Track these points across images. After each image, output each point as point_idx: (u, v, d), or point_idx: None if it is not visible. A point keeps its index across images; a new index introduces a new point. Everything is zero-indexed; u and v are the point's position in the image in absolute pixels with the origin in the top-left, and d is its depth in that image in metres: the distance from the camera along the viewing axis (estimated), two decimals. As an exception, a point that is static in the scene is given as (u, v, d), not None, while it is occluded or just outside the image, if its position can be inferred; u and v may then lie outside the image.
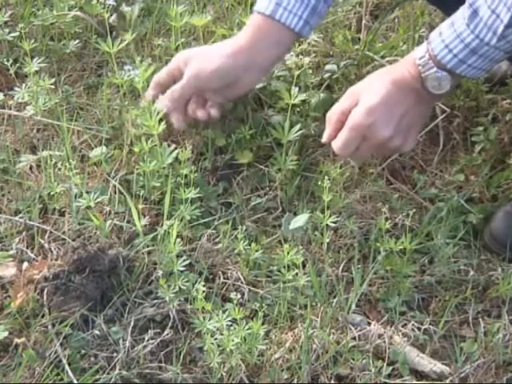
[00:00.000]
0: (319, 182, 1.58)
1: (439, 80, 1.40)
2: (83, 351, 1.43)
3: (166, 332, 1.45)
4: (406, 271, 1.58)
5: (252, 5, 1.96)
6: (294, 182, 1.73)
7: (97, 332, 1.45)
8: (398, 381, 1.45)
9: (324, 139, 1.55)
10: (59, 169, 1.57)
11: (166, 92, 1.68)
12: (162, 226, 1.57)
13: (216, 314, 1.42)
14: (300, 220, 1.62)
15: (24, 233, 1.60)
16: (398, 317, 1.53)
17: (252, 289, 1.55)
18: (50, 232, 1.61)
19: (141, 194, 1.66)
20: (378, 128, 1.44)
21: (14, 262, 1.54)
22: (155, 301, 1.51)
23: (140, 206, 1.61)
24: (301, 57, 1.85)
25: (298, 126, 1.72)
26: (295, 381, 1.43)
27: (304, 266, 1.56)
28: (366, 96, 1.45)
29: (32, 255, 1.56)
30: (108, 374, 1.40)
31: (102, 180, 1.69)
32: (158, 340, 1.44)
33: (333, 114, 1.52)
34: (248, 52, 1.61)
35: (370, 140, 1.48)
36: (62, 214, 1.65)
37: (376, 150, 1.55)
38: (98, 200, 1.58)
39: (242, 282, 1.56)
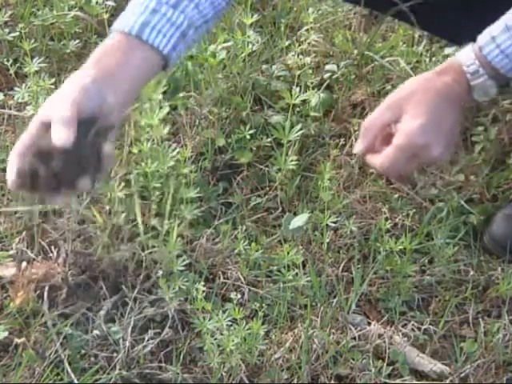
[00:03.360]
0: (319, 182, 1.58)
1: (487, 88, 1.35)
2: (83, 351, 1.43)
3: (165, 332, 1.45)
4: (405, 271, 1.58)
5: (252, 5, 1.97)
6: (294, 182, 1.73)
7: (97, 332, 1.45)
8: (398, 381, 1.45)
9: (358, 150, 1.38)
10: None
11: None
12: (162, 225, 1.57)
13: (216, 314, 1.42)
14: (300, 220, 1.62)
15: (24, 233, 1.60)
16: (397, 317, 1.53)
17: (252, 289, 1.55)
18: (50, 232, 1.61)
19: (141, 193, 1.66)
20: (432, 148, 1.32)
21: (14, 261, 1.54)
22: (155, 301, 1.51)
23: (140, 206, 1.61)
24: (301, 57, 1.85)
25: (298, 126, 1.72)
26: (295, 381, 1.43)
27: (304, 266, 1.56)
28: (413, 111, 1.33)
29: (32, 255, 1.56)
30: (108, 374, 1.40)
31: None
32: (158, 340, 1.44)
33: (372, 126, 1.36)
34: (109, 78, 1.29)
35: (421, 159, 1.35)
36: (61, 214, 1.65)
37: (422, 166, 1.47)
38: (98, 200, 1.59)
39: (242, 282, 1.56)
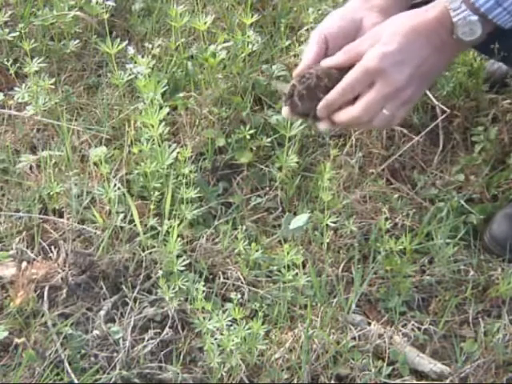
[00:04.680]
0: (319, 182, 1.58)
1: (471, 25, 1.33)
2: (83, 351, 1.43)
3: (165, 332, 1.45)
4: (405, 271, 1.58)
5: (252, 5, 1.97)
6: (294, 182, 1.73)
7: (97, 332, 1.45)
8: (398, 381, 1.45)
9: (329, 62, 1.40)
10: (59, 169, 1.57)
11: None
12: (162, 225, 1.57)
13: (216, 314, 1.42)
14: (300, 220, 1.62)
15: (24, 233, 1.60)
16: (397, 317, 1.53)
17: (252, 289, 1.55)
18: (50, 232, 1.61)
19: (141, 193, 1.66)
20: (390, 75, 1.34)
21: (14, 261, 1.54)
22: (155, 301, 1.51)
23: (140, 206, 1.61)
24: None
25: (299, 122, 1.72)
26: (295, 381, 1.43)
27: (304, 266, 1.56)
28: (384, 40, 1.35)
29: (32, 255, 1.56)
30: (108, 374, 1.40)
31: (101, 180, 1.69)
32: (158, 340, 1.44)
33: (350, 50, 1.39)
34: None
35: (380, 87, 1.36)
36: (61, 214, 1.65)
37: (385, 101, 1.39)
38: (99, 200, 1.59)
39: (242, 282, 1.56)
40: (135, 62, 1.67)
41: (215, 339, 1.40)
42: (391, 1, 1.48)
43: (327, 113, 1.36)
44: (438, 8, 1.36)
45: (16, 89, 1.80)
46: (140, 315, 1.49)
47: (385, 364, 1.45)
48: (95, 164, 1.72)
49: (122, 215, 1.61)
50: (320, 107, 1.36)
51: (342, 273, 1.60)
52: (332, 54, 1.39)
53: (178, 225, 1.52)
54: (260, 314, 1.40)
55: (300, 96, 1.34)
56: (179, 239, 1.52)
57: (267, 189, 1.75)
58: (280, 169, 1.74)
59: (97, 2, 1.93)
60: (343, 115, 1.36)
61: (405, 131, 1.88)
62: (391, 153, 1.84)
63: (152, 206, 1.59)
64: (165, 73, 1.91)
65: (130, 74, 1.74)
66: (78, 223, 1.61)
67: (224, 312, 1.42)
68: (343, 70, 1.34)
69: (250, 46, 1.90)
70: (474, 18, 1.32)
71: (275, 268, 1.57)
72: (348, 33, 1.43)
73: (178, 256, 1.52)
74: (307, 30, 1.97)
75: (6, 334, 1.40)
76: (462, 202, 1.73)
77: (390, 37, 1.36)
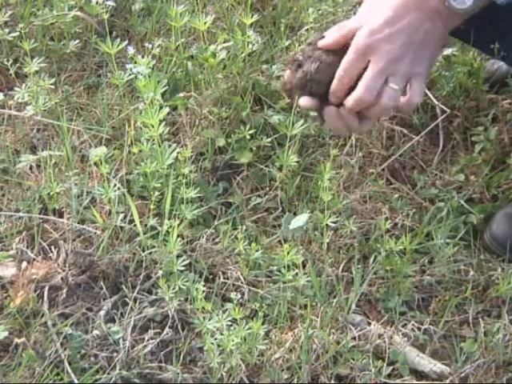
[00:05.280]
0: (319, 182, 1.58)
1: None
2: (83, 351, 1.43)
3: (165, 332, 1.45)
4: (405, 271, 1.58)
5: (252, 5, 1.97)
6: (294, 182, 1.73)
7: (97, 332, 1.45)
8: (398, 381, 1.45)
9: (324, 41, 1.39)
10: (59, 169, 1.57)
11: None
12: (162, 225, 1.57)
13: (216, 314, 1.42)
14: (300, 220, 1.62)
15: (24, 233, 1.60)
16: (397, 317, 1.53)
17: (252, 289, 1.55)
18: (50, 232, 1.61)
19: (141, 193, 1.66)
20: (380, 48, 1.32)
21: (14, 261, 1.54)
22: (155, 301, 1.51)
23: (140, 206, 1.61)
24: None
25: (300, 122, 1.72)
26: (295, 381, 1.43)
27: (304, 266, 1.56)
28: (372, 18, 1.33)
29: (32, 255, 1.56)
30: (108, 374, 1.40)
31: (101, 180, 1.69)
32: (158, 340, 1.45)
33: (343, 27, 1.38)
34: None
35: (373, 63, 1.34)
36: (61, 214, 1.65)
37: (383, 75, 1.36)
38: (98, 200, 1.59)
39: (242, 282, 1.56)
40: (135, 62, 1.66)
41: (215, 339, 1.40)
42: None
43: (337, 100, 1.35)
44: None
45: (16, 89, 1.79)
46: (140, 315, 1.49)
47: (385, 364, 1.45)
48: (95, 164, 1.72)
49: (121, 215, 1.61)
50: (330, 96, 1.35)
51: (341, 273, 1.60)
52: None
53: (178, 225, 1.52)
54: (260, 313, 1.40)
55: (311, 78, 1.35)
56: (179, 239, 1.52)
57: (267, 189, 1.75)
58: (280, 169, 1.74)
59: (97, 2, 1.92)
60: (350, 100, 1.34)
61: (405, 131, 1.88)
62: (391, 153, 1.84)
63: (152, 206, 1.59)
64: (165, 73, 1.91)
65: (130, 74, 1.74)
66: (78, 223, 1.61)
67: (224, 312, 1.42)
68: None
69: (250, 46, 1.89)
70: None
71: (275, 268, 1.57)
72: None
73: (178, 256, 1.52)
74: (307, 30, 1.97)
75: (5, 334, 1.40)
76: (462, 201, 1.73)
77: (378, 13, 1.33)
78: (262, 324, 1.41)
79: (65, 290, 1.50)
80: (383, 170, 1.80)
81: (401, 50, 1.32)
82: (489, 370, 1.47)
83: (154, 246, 1.56)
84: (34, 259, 1.56)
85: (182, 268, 1.51)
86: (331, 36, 1.37)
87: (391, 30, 1.32)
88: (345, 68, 1.34)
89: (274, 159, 1.76)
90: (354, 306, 1.52)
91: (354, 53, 1.33)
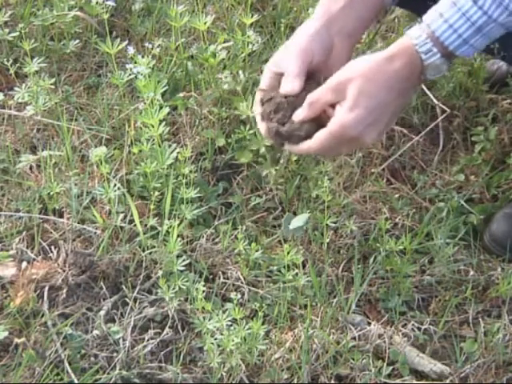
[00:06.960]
0: (319, 182, 1.58)
1: (440, 67, 1.32)
2: (83, 351, 1.43)
3: (165, 332, 1.45)
4: (405, 271, 1.58)
5: (252, 5, 1.97)
6: (293, 182, 1.73)
7: (97, 332, 1.45)
8: (398, 381, 1.45)
9: (296, 118, 1.37)
10: (59, 169, 1.57)
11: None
12: (162, 225, 1.57)
13: (216, 314, 1.42)
14: (300, 220, 1.62)
15: (24, 233, 1.60)
16: (397, 317, 1.54)
17: (252, 289, 1.56)
18: (50, 232, 1.61)
19: (141, 193, 1.66)
20: (365, 138, 1.33)
21: (14, 261, 1.54)
22: (155, 301, 1.51)
23: (140, 206, 1.61)
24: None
25: None
26: (295, 381, 1.43)
27: (304, 266, 1.56)
28: (353, 101, 1.31)
29: (32, 255, 1.56)
30: (108, 374, 1.40)
31: (101, 180, 1.69)
32: (158, 340, 1.44)
33: (315, 103, 1.36)
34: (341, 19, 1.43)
35: (352, 146, 1.40)
36: (61, 214, 1.65)
37: (342, 147, 1.41)
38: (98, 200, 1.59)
39: (242, 282, 1.56)
40: (135, 62, 1.66)
41: (215, 339, 1.40)
42: (357, 23, 1.45)
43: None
44: (405, 54, 1.31)
45: (16, 89, 1.79)
46: (140, 315, 1.49)
47: (385, 364, 1.45)
48: (95, 164, 1.72)
49: (122, 215, 1.61)
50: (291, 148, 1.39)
51: (341, 273, 1.60)
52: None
53: (178, 225, 1.52)
54: (260, 313, 1.40)
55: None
56: (179, 239, 1.52)
57: (267, 189, 1.75)
58: (276, 170, 1.74)
59: (97, 2, 1.92)
60: (300, 147, 1.37)
61: (405, 131, 1.88)
62: (391, 153, 1.84)
63: (152, 206, 1.59)
64: (165, 73, 1.91)
65: (130, 74, 1.73)
66: (78, 223, 1.61)
67: (224, 312, 1.42)
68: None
69: (250, 46, 1.89)
70: (443, 59, 1.31)
71: (275, 268, 1.57)
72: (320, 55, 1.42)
73: (178, 256, 1.52)
74: (307, 29, 1.97)
75: (5, 334, 1.40)
76: (462, 201, 1.73)
77: (360, 96, 1.31)
78: (262, 324, 1.41)
79: (65, 290, 1.50)
80: (383, 169, 1.81)
81: (378, 135, 1.35)
82: (489, 370, 1.47)
83: (154, 246, 1.56)
84: (34, 259, 1.56)
85: (182, 268, 1.51)
86: (305, 111, 1.36)
87: (372, 118, 1.32)
88: (324, 149, 1.36)
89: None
90: (353, 306, 1.52)
91: (336, 138, 1.33)
